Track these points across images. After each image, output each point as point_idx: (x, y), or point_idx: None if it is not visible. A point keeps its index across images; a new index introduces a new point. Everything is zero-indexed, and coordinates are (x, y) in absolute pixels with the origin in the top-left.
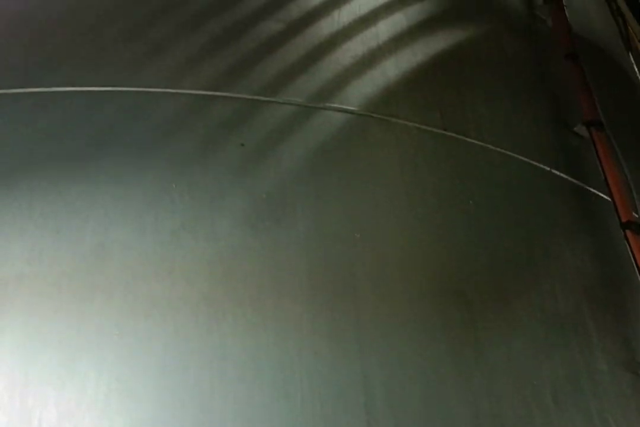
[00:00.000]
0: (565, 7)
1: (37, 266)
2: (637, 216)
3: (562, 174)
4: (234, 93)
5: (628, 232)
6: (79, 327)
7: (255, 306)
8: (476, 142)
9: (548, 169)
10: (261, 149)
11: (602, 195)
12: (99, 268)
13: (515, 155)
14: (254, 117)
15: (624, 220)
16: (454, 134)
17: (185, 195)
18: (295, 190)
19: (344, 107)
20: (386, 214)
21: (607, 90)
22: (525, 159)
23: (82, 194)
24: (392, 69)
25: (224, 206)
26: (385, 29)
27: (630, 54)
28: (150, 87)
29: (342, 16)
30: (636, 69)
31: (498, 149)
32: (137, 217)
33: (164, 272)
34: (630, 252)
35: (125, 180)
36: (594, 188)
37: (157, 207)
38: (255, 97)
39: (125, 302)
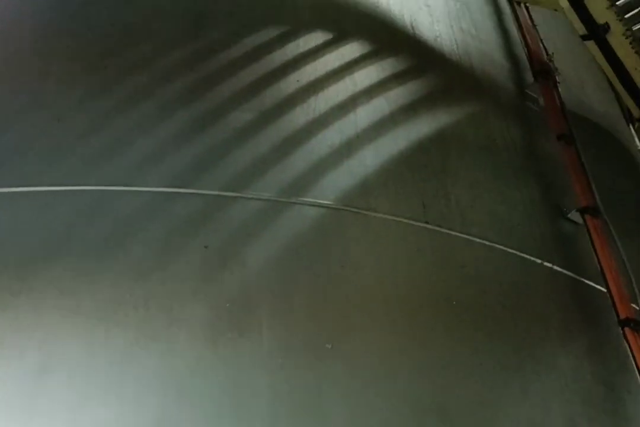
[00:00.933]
0: (558, 84)
1: None
2: (637, 308)
3: (555, 266)
4: (199, 189)
5: (627, 330)
6: None
7: None
8: (460, 235)
9: (539, 261)
10: (226, 251)
11: (599, 287)
12: (41, 390)
13: (503, 248)
14: (219, 215)
15: (622, 316)
16: (436, 227)
17: (140, 306)
18: (261, 297)
19: (318, 201)
20: (361, 320)
21: (605, 169)
22: (514, 252)
23: (27, 308)
24: (371, 158)
25: (182, 318)
26: (364, 115)
27: (631, 128)
28: (108, 185)
29: (319, 103)
30: (637, 143)
31: (484, 242)
32: (86, 333)
33: (113, 394)
34: (630, 353)
35: (75, 291)
36: (590, 280)
37: (109, 320)
38: (222, 193)
39: None
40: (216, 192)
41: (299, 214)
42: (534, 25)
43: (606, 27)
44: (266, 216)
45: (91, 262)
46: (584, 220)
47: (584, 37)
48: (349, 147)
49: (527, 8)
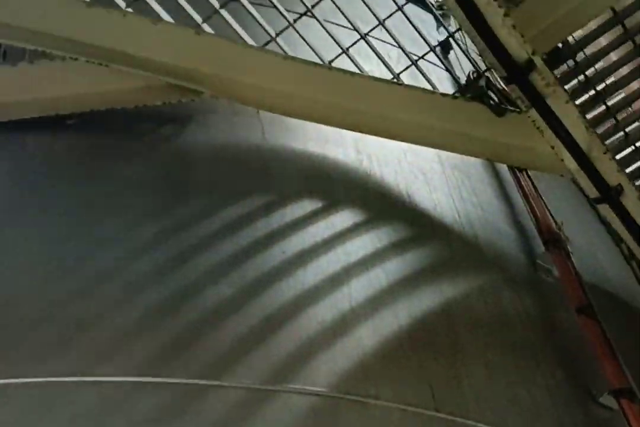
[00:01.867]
0: (571, 254)
1: None
2: None
3: None
4: (168, 378)
5: None
6: None
7: None
8: (477, 424)
9: None
10: None
11: None
12: None
13: None
14: (190, 407)
15: None
16: (448, 416)
17: None
18: None
19: (309, 388)
20: None
21: (630, 344)
22: None
23: None
24: (369, 336)
25: None
26: (360, 288)
27: None
28: (61, 376)
29: (308, 276)
30: None
31: None
32: None
33: None
34: None
35: None
36: None
37: None
38: (195, 382)
39: None
40: (188, 381)
41: (286, 404)
42: (539, 194)
43: (619, 189)
44: (247, 408)
45: None
46: (620, 405)
47: (596, 200)
48: (344, 324)
49: (529, 176)
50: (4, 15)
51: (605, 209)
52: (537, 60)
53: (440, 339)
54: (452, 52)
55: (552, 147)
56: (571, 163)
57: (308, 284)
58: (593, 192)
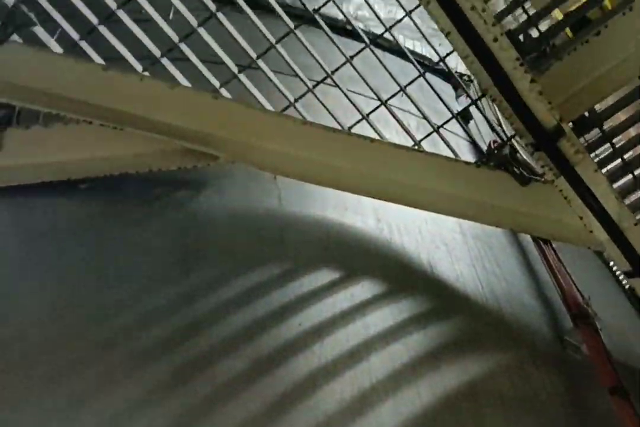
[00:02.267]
0: (600, 331)
1: None
2: None
3: None
4: None
5: None
6: None
7: None
8: None
9: None
10: None
11: None
12: None
13: None
14: None
15: None
16: None
17: None
18: None
19: None
20: None
21: None
22: None
23: None
24: (389, 415)
25: None
26: (380, 363)
27: None
28: None
29: (325, 350)
30: None
31: None
32: None
33: None
34: None
35: None
36: None
37: None
38: None
39: None
40: None
41: None
42: (564, 266)
43: None
44: None
45: None
46: None
47: (627, 274)
48: (363, 402)
49: (553, 249)
50: (19, 78)
51: (637, 283)
52: (566, 127)
53: (465, 420)
54: (471, 122)
55: (581, 218)
56: (601, 234)
57: (325, 358)
58: (624, 265)
